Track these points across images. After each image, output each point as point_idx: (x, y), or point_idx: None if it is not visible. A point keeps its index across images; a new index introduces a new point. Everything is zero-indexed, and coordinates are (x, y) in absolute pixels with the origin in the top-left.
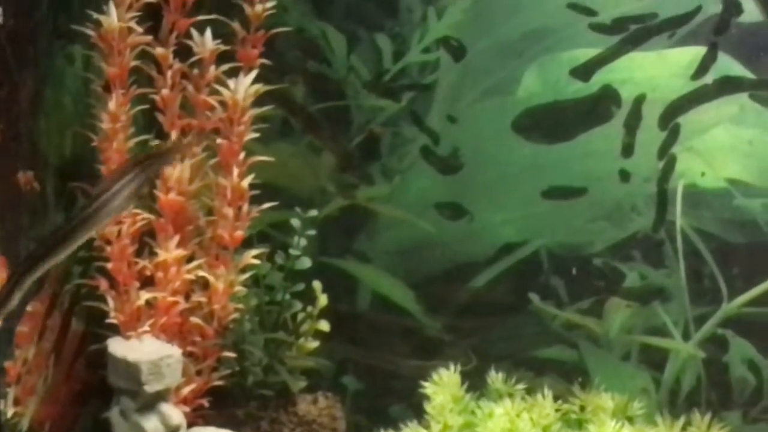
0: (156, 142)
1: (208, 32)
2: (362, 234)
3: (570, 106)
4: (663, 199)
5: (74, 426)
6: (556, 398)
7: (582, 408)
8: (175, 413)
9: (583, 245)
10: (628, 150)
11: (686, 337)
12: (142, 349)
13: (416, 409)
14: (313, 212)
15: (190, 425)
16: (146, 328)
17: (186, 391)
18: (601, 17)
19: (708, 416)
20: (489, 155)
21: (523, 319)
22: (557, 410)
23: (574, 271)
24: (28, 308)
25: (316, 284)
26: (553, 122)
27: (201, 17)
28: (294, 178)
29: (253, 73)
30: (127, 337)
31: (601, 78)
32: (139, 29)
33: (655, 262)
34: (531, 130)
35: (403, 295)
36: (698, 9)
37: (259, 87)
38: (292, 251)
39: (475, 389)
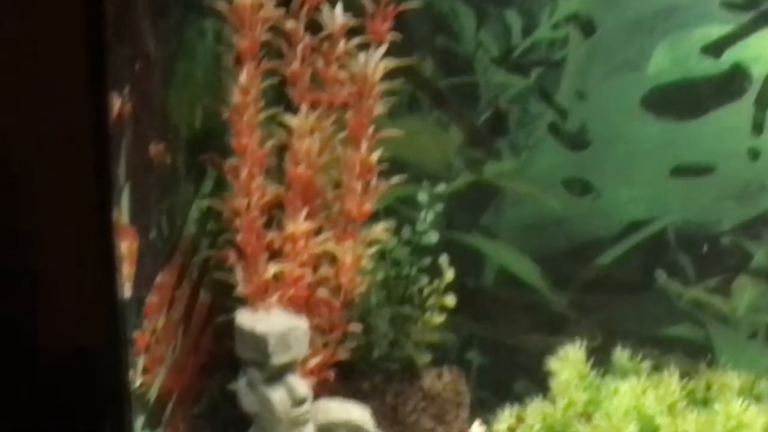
0: (286, 115)
1: (339, 6)
2: (489, 209)
3: (700, 83)
4: None
5: (201, 396)
6: (682, 376)
7: (708, 386)
8: (301, 385)
9: (711, 224)
10: (758, 128)
11: None
12: (270, 321)
13: (541, 385)
14: (441, 187)
15: (315, 397)
16: (274, 300)
17: (312, 363)
18: None
19: None
20: (617, 132)
21: (649, 296)
22: (683, 388)
23: (702, 250)
24: (158, 279)
25: (443, 259)
26: (683, 99)
27: None
28: (422, 153)
29: (383, 48)
30: (255, 309)
31: (732, 55)
32: (271, 3)
33: None
34: (660, 107)
35: (529, 271)
36: None
37: (388, 62)
38: (419, 226)
39: (601, 366)
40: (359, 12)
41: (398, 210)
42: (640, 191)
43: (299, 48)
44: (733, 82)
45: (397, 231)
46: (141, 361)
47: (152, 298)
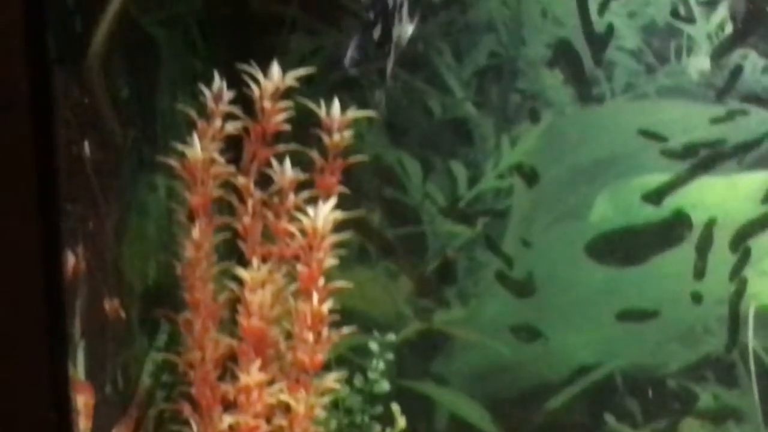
0: (238, 269)
1: (287, 162)
2: (439, 357)
3: (642, 230)
4: (735, 321)
5: None
6: None
7: None
8: None
9: (657, 366)
10: (699, 273)
11: None
12: None
13: None
14: (391, 336)
15: None
16: None
17: None
18: (671, 143)
19: None
20: (563, 279)
21: None
22: None
23: (649, 393)
24: None
25: (395, 407)
26: (626, 246)
27: (280, 147)
28: (372, 303)
29: (332, 201)
30: None
31: (672, 202)
32: (222, 160)
33: (728, 383)
34: (604, 253)
35: (480, 417)
36: (766, 135)
37: (337, 214)
38: (371, 374)
39: None
40: (308, 167)
41: (350, 359)
42: (587, 336)
43: (250, 203)
44: (674, 229)
45: (349, 380)
46: None
47: None
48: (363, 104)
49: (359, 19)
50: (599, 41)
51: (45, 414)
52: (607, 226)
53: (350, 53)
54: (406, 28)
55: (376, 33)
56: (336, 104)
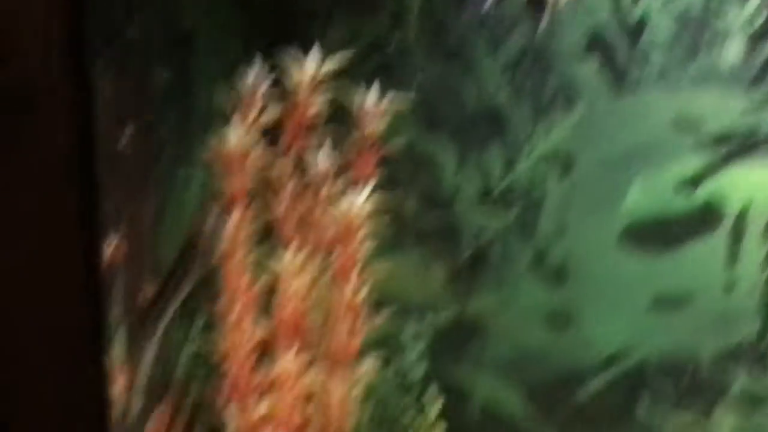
0: (275, 257)
1: (325, 150)
2: (473, 343)
3: (675, 218)
4: (767, 309)
5: None
6: None
7: None
8: None
9: (690, 354)
10: (732, 260)
11: None
12: None
13: None
14: (426, 323)
15: None
16: None
17: None
18: (705, 132)
19: None
20: (596, 266)
21: (631, 427)
22: None
23: (681, 380)
24: (151, 420)
25: (430, 393)
26: (659, 234)
27: (317, 136)
28: (406, 290)
29: (368, 189)
30: None
31: (705, 190)
32: (259, 148)
33: (761, 370)
34: (637, 241)
35: (515, 403)
36: None
37: (373, 202)
38: (406, 361)
39: None
40: (346, 153)
41: (385, 346)
42: (621, 323)
43: (286, 191)
44: (707, 217)
45: (383, 367)
46: None
47: None
48: (400, 90)
49: None
50: (633, 30)
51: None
52: (640, 214)
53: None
54: None
55: None
56: (374, 91)
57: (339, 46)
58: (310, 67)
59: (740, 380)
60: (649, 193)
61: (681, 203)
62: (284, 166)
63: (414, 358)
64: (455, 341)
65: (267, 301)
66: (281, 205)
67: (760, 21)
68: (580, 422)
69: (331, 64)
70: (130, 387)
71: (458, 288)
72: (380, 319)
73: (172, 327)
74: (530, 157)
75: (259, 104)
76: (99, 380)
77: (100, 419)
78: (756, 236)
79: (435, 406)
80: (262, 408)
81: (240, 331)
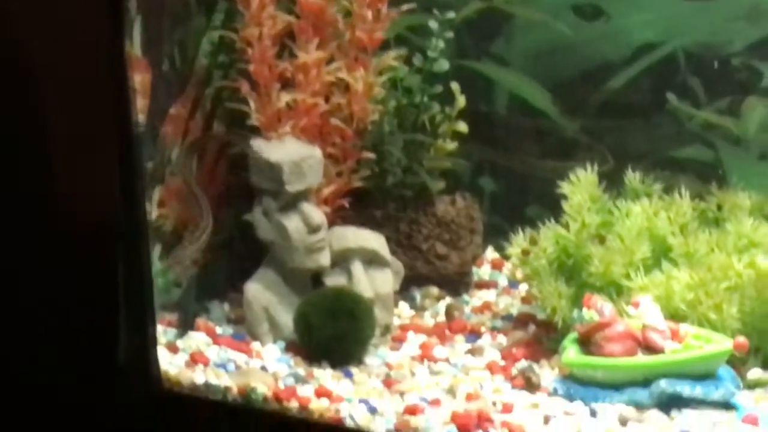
0: None
1: None
2: (499, 36)
3: None
4: None
5: (217, 227)
6: (693, 197)
7: (719, 207)
8: (316, 213)
9: (722, 45)
10: None
11: None
12: (284, 150)
13: (553, 210)
14: (451, 14)
15: (330, 225)
16: (287, 129)
17: (327, 192)
18: None
19: None
20: None
21: (660, 119)
22: (694, 209)
23: (712, 71)
24: (171, 111)
25: (454, 86)
26: None
27: None
28: None
29: None
30: (269, 139)
31: None
32: None
33: None
34: None
35: (540, 97)
36: None
37: None
38: (430, 53)
39: (613, 189)
40: None
41: (409, 38)
42: (651, 14)
43: None
44: None
45: (408, 59)
46: (157, 193)
47: (166, 130)
48: None
49: None
50: None
51: (103, 92)
52: None
53: None
54: None
55: None
56: None
57: None
58: None
59: None
60: None
61: None
62: None
63: (439, 50)
64: (482, 34)
65: None
66: None
67: None
68: (607, 116)
69: None
70: (150, 78)
71: None
72: (405, 9)
73: (192, 16)
74: None
75: None
76: (119, 70)
77: (122, 106)
78: None
79: (460, 99)
80: (285, 99)
81: (261, 20)
